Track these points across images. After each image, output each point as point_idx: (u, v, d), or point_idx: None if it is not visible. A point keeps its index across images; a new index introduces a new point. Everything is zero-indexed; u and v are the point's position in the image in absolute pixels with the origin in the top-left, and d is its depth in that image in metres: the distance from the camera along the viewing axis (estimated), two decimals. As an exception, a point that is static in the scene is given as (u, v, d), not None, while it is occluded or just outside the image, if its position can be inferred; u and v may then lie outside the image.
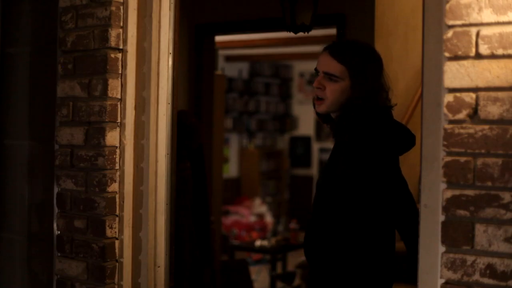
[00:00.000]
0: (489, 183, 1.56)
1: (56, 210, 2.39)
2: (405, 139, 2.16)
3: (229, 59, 9.06)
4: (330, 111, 2.19)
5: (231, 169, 9.57)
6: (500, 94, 1.55)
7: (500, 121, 1.54)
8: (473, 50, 1.58)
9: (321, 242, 2.16)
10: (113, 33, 2.25)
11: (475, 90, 1.58)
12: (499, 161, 1.54)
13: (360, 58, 2.17)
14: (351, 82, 2.15)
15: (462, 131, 1.59)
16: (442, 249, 1.63)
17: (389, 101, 2.21)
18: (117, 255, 2.28)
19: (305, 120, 10.23)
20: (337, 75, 2.14)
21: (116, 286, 2.28)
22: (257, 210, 8.67)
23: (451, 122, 1.61)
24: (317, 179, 2.27)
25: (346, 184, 2.09)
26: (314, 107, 2.23)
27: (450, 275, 1.61)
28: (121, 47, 2.28)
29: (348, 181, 2.09)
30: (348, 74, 2.14)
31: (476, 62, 1.58)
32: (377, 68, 2.20)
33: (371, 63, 2.19)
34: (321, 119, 2.30)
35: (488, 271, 1.56)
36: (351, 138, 2.11)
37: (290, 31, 3.36)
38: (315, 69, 2.22)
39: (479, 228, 1.57)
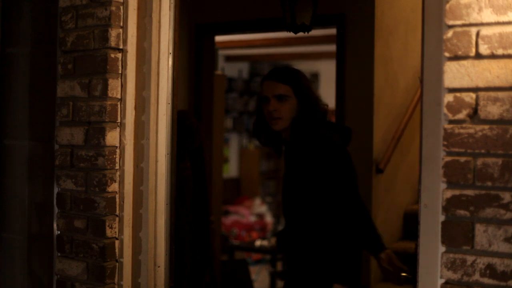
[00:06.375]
0: (489, 183, 1.56)
1: (56, 210, 2.39)
2: (347, 134, 2.69)
3: (229, 59, 9.06)
4: (285, 127, 2.62)
5: (231, 169, 9.57)
6: (500, 94, 1.55)
7: (500, 121, 1.55)
8: (473, 50, 1.58)
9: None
10: (113, 33, 2.25)
11: (475, 90, 1.58)
12: (499, 161, 1.54)
13: (298, 77, 2.67)
14: (297, 98, 2.61)
15: (462, 131, 1.59)
16: (442, 249, 1.63)
17: (326, 107, 2.71)
18: (117, 255, 2.29)
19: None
20: (287, 94, 2.60)
21: (116, 286, 2.28)
22: (257, 210, 8.67)
23: (451, 122, 1.61)
24: (288, 179, 2.68)
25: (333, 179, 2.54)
26: (267, 128, 2.68)
27: (450, 275, 1.61)
28: (121, 47, 2.28)
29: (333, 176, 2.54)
30: (293, 92, 2.61)
31: (476, 62, 1.58)
32: (311, 84, 2.72)
33: (306, 80, 2.70)
34: (264, 142, 2.79)
35: (488, 271, 1.56)
36: (317, 143, 2.57)
37: (290, 31, 3.35)
38: (263, 96, 2.66)
39: (479, 228, 1.57)
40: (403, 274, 2.53)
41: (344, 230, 2.55)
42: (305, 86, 2.65)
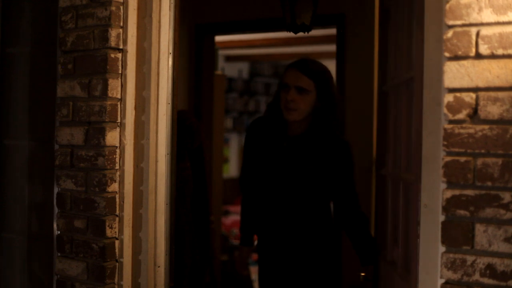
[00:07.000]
0: (489, 183, 1.56)
1: (56, 210, 2.39)
2: None
3: (229, 59, 9.05)
4: (300, 119, 2.63)
5: (231, 169, 9.56)
6: (500, 94, 1.55)
7: (500, 121, 1.54)
8: (473, 50, 1.58)
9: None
10: (113, 33, 2.25)
11: (475, 90, 1.58)
12: (499, 161, 1.54)
13: (323, 73, 2.64)
14: (317, 94, 2.60)
15: (462, 131, 1.59)
16: (442, 249, 1.63)
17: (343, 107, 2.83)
18: (117, 255, 2.29)
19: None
20: (308, 89, 2.58)
21: (116, 286, 2.28)
22: (257, 210, 8.65)
23: (451, 122, 1.61)
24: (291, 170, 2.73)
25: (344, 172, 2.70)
26: (278, 113, 2.67)
27: (450, 275, 1.61)
28: (121, 47, 2.28)
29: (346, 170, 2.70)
30: (314, 87, 2.59)
31: (476, 62, 1.58)
32: (334, 83, 2.72)
33: (331, 78, 2.67)
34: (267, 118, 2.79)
35: (488, 271, 1.56)
36: (335, 140, 2.67)
37: (290, 31, 3.35)
38: (284, 83, 2.63)
39: (479, 228, 1.57)
40: (362, 274, 2.57)
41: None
42: (328, 84, 2.64)
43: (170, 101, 2.32)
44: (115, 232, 2.28)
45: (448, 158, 1.61)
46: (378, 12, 2.88)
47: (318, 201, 2.71)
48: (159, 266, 2.31)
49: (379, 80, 2.76)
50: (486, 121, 1.56)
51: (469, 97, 1.59)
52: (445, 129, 1.62)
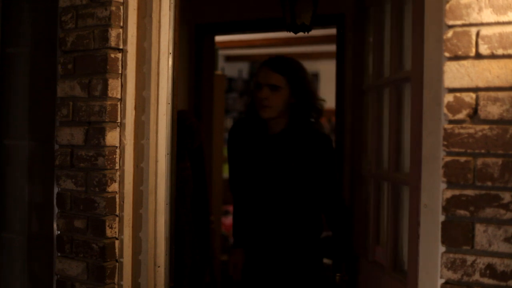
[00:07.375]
0: (489, 183, 1.56)
1: (56, 210, 2.39)
2: None
3: (229, 59, 9.06)
4: (274, 116, 2.67)
5: (231, 169, 9.55)
6: (500, 94, 1.55)
7: (500, 121, 1.55)
8: (473, 50, 1.58)
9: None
10: (113, 33, 2.25)
11: (475, 90, 1.58)
12: (499, 161, 1.54)
13: (295, 69, 2.68)
14: (290, 90, 2.64)
15: (462, 131, 1.59)
16: (442, 249, 1.63)
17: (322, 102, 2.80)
18: (117, 255, 2.29)
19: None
20: (279, 85, 2.63)
21: (116, 286, 2.28)
22: (257, 210, 8.63)
23: (451, 122, 1.61)
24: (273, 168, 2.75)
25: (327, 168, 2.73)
26: (256, 113, 2.71)
27: (450, 275, 1.61)
28: (121, 47, 2.28)
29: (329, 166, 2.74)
30: (286, 83, 2.63)
31: (476, 62, 1.58)
32: (307, 76, 2.73)
33: (303, 72, 2.70)
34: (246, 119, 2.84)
35: (488, 271, 1.56)
36: (316, 135, 2.71)
37: (290, 31, 3.35)
38: (257, 82, 2.69)
39: (479, 228, 1.57)
40: (338, 274, 2.57)
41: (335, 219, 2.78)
42: (300, 77, 2.68)
43: (170, 101, 2.32)
44: (115, 232, 2.28)
45: (448, 158, 1.61)
46: (355, 12, 2.88)
47: (303, 198, 2.72)
48: (159, 266, 2.31)
49: (355, 80, 2.76)
50: (486, 121, 1.57)
51: (469, 97, 1.59)
52: (445, 129, 1.62)
